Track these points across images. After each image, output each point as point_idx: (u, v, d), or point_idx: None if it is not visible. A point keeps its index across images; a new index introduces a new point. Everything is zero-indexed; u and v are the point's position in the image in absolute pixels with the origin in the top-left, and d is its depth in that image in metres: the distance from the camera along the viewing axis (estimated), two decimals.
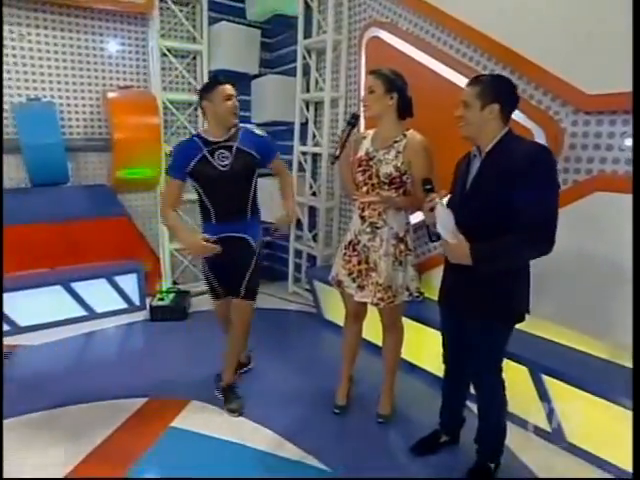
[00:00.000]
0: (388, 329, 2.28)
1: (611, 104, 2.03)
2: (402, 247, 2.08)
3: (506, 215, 1.54)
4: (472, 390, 1.97)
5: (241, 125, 2.21)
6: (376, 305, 2.08)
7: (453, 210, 1.61)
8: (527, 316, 1.74)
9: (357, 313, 2.31)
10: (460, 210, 1.63)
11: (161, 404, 2.43)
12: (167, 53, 3.78)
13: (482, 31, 2.47)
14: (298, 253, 4.17)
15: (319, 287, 3.52)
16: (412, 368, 2.78)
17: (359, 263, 2.12)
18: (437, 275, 2.90)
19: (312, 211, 4.05)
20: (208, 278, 2.35)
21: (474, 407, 2.17)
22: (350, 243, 2.15)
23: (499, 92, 1.60)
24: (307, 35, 3.74)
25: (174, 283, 4.08)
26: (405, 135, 2.02)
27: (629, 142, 2.02)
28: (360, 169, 2.08)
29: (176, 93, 3.98)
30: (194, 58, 4.00)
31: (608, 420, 1.93)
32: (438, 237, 1.65)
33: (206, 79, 3.89)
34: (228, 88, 2.10)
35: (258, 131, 2.27)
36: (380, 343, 2.37)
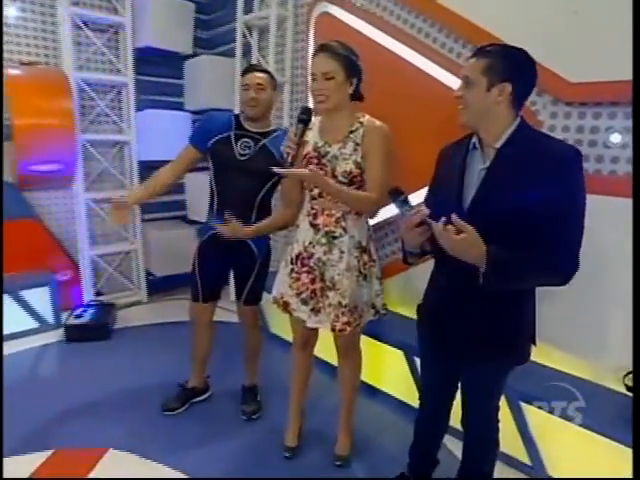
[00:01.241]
0: (345, 355, 1.93)
1: (596, 94, 1.79)
2: (365, 258, 1.73)
3: (525, 229, 1.20)
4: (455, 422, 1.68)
5: (279, 128, 2.11)
6: (341, 332, 1.71)
7: (445, 215, 1.26)
8: None
9: (307, 340, 1.95)
10: (461, 217, 1.30)
11: (68, 458, 1.95)
12: (82, 25, 3.19)
13: (448, 7, 2.17)
14: None
15: (264, 297, 3.12)
16: (371, 392, 2.46)
17: (312, 282, 1.73)
18: (397, 284, 2.71)
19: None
20: (194, 275, 2.15)
21: (449, 442, 1.90)
22: (298, 257, 1.76)
23: (512, 67, 1.22)
24: (248, 10, 3.29)
25: (97, 294, 3.53)
26: (362, 123, 1.66)
27: (615, 138, 1.78)
28: (309, 169, 1.65)
29: (94, 73, 3.39)
30: (116, 33, 3.42)
31: (595, 455, 1.70)
32: (422, 254, 1.33)
33: (131, 57, 3.36)
34: (250, 77, 1.97)
35: None
36: (332, 360, 2.01)
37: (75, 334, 2.97)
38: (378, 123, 1.66)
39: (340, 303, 1.69)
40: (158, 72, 3.70)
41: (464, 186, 1.32)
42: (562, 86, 1.86)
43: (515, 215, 1.22)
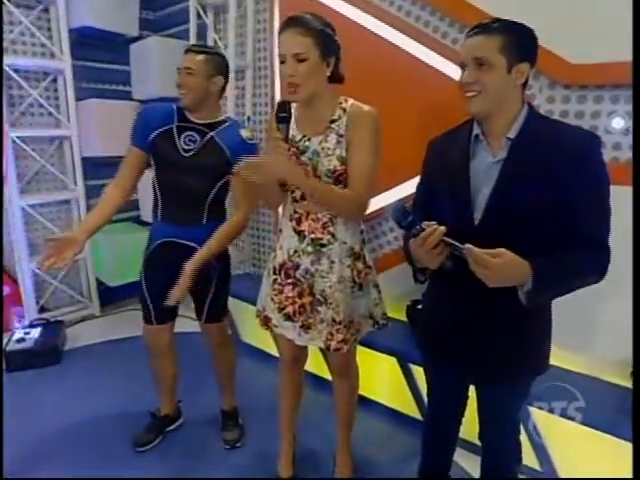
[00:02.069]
0: (341, 374, 1.73)
1: (598, 77, 1.68)
2: (360, 265, 1.52)
3: (556, 224, 1.08)
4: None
5: (229, 118, 1.82)
6: (336, 350, 1.50)
7: (449, 219, 1.09)
8: None
9: (296, 358, 1.72)
10: (473, 217, 1.14)
11: None
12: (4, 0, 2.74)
13: None
14: None
15: (233, 303, 2.84)
16: (364, 403, 2.28)
17: (300, 295, 1.50)
18: (391, 278, 2.54)
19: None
20: (142, 294, 1.87)
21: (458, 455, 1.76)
22: (282, 267, 1.52)
23: (528, 45, 1.08)
24: None
25: (42, 310, 3.12)
26: (345, 110, 1.40)
27: (618, 124, 1.68)
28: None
29: (23, 57, 2.93)
30: (46, 10, 2.98)
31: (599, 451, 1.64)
32: (431, 275, 1.15)
33: (66, 40, 2.94)
34: (183, 59, 1.68)
35: (244, 132, 1.75)
36: (319, 372, 1.81)
37: (17, 362, 2.57)
38: (365, 108, 1.40)
39: (334, 319, 1.47)
40: (100, 57, 3.27)
41: (472, 183, 1.16)
42: (560, 68, 1.73)
43: (542, 211, 1.09)
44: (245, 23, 2.86)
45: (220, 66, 1.71)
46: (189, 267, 1.63)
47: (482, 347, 1.20)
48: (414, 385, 2.10)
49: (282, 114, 1.30)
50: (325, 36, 1.31)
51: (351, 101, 1.42)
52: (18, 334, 2.72)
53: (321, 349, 1.91)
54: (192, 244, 1.72)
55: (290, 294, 1.50)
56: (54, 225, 3.13)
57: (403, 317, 2.31)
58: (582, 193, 1.06)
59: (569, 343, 1.85)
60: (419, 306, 2.20)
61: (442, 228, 1.04)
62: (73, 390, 2.42)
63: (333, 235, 1.46)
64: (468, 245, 1.01)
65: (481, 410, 1.37)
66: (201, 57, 1.66)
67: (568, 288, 1.10)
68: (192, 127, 1.72)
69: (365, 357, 2.20)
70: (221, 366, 2.04)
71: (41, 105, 3.02)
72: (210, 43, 3.03)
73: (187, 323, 2.50)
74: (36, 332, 2.77)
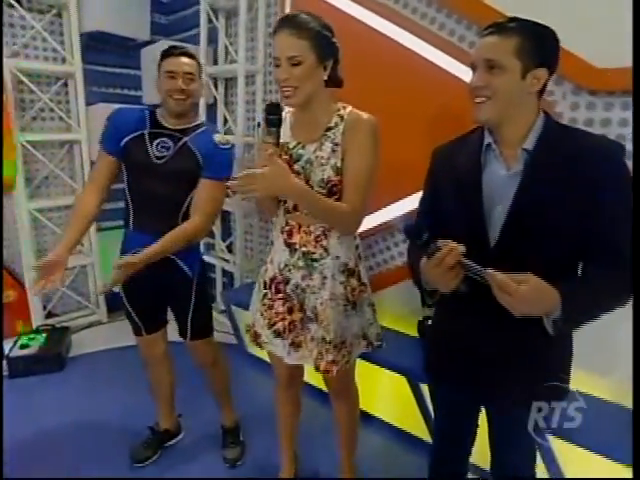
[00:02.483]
0: (339, 396, 1.64)
1: (626, 82, 1.55)
2: (354, 282, 1.42)
3: (583, 242, 0.99)
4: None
5: (206, 124, 1.75)
6: (326, 372, 1.40)
7: (460, 238, 0.99)
8: None
9: (291, 377, 1.64)
10: (487, 234, 1.04)
11: None
12: (14, 3, 2.73)
13: None
14: (211, 267, 3.36)
15: (238, 313, 2.79)
16: (371, 420, 2.18)
17: (290, 311, 1.42)
18: (389, 295, 2.45)
19: (225, 215, 3.28)
20: (125, 307, 1.83)
21: None
22: (273, 281, 1.44)
23: (547, 49, 0.98)
24: None
25: (49, 315, 3.10)
26: (342, 117, 1.31)
27: None
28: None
29: (34, 62, 2.93)
30: (59, 14, 2.97)
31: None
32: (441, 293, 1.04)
33: (77, 44, 2.92)
34: (173, 62, 1.60)
35: (218, 138, 1.69)
36: (324, 385, 1.71)
37: (19, 368, 2.54)
38: (365, 116, 1.31)
39: (324, 338, 1.38)
40: (111, 61, 3.26)
41: (484, 198, 1.06)
42: (586, 72, 1.62)
43: (566, 229, 0.99)
44: (256, 27, 2.81)
45: (202, 71, 1.71)
46: (126, 259, 1.50)
47: (497, 370, 1.11)
48: (424, 405, 1.99)
49: (271, 116, 1.21)
50: (322, 38, 1.23)
51: (349, 108, 1.34)
52: (22, 340, 2.69)
53: None
54: (168, 255, 1.66)
55: (280, 310, 1.42)
56: (62, 230, 3.10)
57: (414, 332, 2.20)
58: (608, 208, 0.96)
59: (589, 365, 1.74)
60: (431, 321, 2.10)
61: (461, 248, 0.95)
62: (75, 399, 2.37)
63: (326, 249, 1.37)
64: (490, 270, 0.92)
65: (493, 438, 1.27)
66: (194, 62, 1.63)
67: (598, 314, 1.00)
68: (165, 133, 1.65)
69: (373, 373, 2.11)
70: (216, 385, 1.97)
71: (52, 109, 3.01)
72: (221, 47, 3.00)
73: None
74: (41, 338, 2.74)
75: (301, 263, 1.38)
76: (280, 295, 1.42)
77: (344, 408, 1.65)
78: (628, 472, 1.46)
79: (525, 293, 0.89)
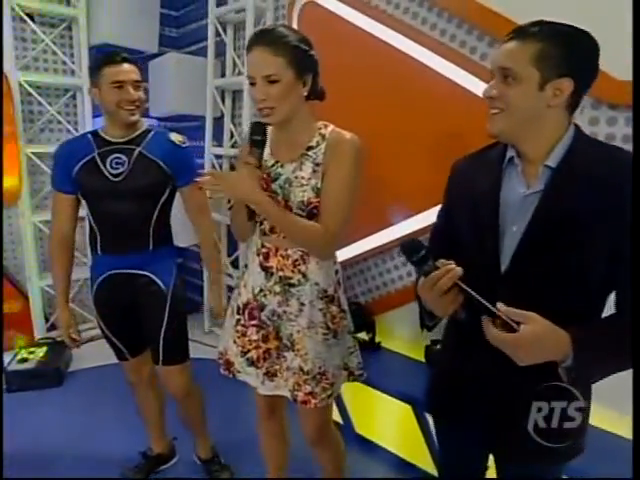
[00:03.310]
0: (318, 441, 1.48)
1: None
2: (334, 309, 1.32)
3: (600, 279, 0.86)
4: None
5: (151, 126, 1.69)
6: (303, 403, 1.30)
7: (471, 261, 0.89)
8: None
9: (271, 407, 1.52)
10: (499, 258, 0.93)
11: None
12: (26, 17, 2.75)
13: None
14: None
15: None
16: (366, 446, 2.07)
17: (265, 339, 1.32)
18: (397, 318, 2.32)
19: (231, 230, 3.21)
20: (104, 333, 1.74)
21: None
22: (246, 306, 1.35)
23: (575, 56, 0.86)
24: (221, 2, 2.89)
25: (52, 328, 3.06)
26: (323, 136, 1.24)
27: None
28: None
29: (43, 74, 2.95)
30: (68, 28, 2.99)
31: None
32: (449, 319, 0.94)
33: (85, 56, 2.93)
34: (119, 71, 1.51)
35: (175, 137, 1.65)
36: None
37: (17, 383, 2.50)
38: (347, 135, 1.23)
39: (302, 368, 1.29)
40: None
41: (500, 217, 0.95)
42: (606, 84, 1.50)
43: (589, 259, 0.86)
44: None
45: None
46: (215, 290, 1.78)
47: (503, 416, 0.99)
48: (429, 436, 1.87)
49: (255, 137, 1.15)
50: (299, 52, 1.15)
51: (331, 127, 1.26)
52: (22, 353, 2.65)
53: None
54: (141, 272, 1.62)
55: (254, 337, 1.33)
56: None
57: (421, 357, 2.09)
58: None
59: (607, 400, 1.61)
60: (439, 346, 1.98)
61: (458, 269, 0.85)
62: (73, 416, 2.32)
63: (304, 275, 1.28)
64: (500, 304, 0.82)
65: None
66: (136, 68, 1.56)
67: (620, 362, 0.86)
68: (115, 149, 1.57)
69: (369, 397, 2.01)
70: (190, 416, 1.84)
71: (59, 122, 3.01)
72: (228, 60, 2.97)
73: None
74: (41, 352, 2.70)
75: (278, 288, 1.29)
76: (254, 322, 1.33)
77: (326, 455, 1.53)
78: None
79: (529, 336, 0.79)
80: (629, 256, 0.82)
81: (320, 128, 1.25)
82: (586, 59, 0.87)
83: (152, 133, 1.62)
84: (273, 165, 1.26)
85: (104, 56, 1.56)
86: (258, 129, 1.16)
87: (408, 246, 0.89)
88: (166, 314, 1.64)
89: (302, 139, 1.24)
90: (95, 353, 2.97)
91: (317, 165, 1.22)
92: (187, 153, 1.66)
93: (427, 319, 1.06)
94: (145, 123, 1.65)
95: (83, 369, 2.78)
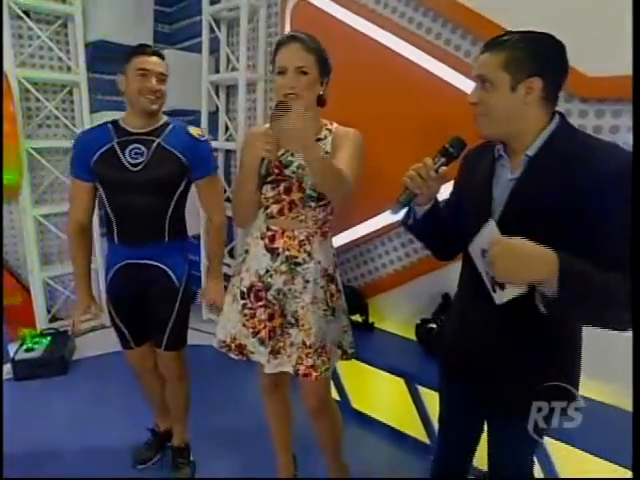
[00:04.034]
0: (318, 414, 1.59)
1: (617, 90, 1.59)
2: (333, 288, 1.47)
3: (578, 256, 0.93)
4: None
5: (170, 120, 1.71)
6: (305, 377, 1.42)
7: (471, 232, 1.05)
8: None
9: (275, 382, 1.63)
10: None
11: None
12: (22, 14, 2.80)
13: None
14: None
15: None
16: (367, 422, 2.21)
17: (271, 318, 1.43)
18: (389, 300, 2.45)
19: (227, 220, 3.31)
20: (114, 321, 1.80)
21: None
22: (251, 289, 1.45)
23: (540, 57, 0.98)
24: (214, 0, 2.96)
25: (53, 319, 3.14)
26: (330, 130, 1.42)
27: None
28: (269, 180, 1.37)
29: (40, 71, 3.00)
30: (64, 25, 3.04)
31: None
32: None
33: (82, 53, 2.98)
34: (145, 60, 1.58)
35: (194, 130, 1.70)
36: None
37: (25, 371, 2.58)
38: (351, 130, 1.42)
39: (304, 343, 1.41)
40: (115, 70, 3.29)
41: (493, 201, 1.09)
42: (577, 80, 1.64)
43: (562, 236, 0.94)
44: (257, 37, 2.86)
45: None
46: (215, 285, 1.82)
47: (497, 376, 1.12)
48: (422, 407, 2.02)
49: (281, 113, 1.18)
50: (324, 56, 1.35)
51: (335, 124, 1.44)
52: (27, 343, 2.73)
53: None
54: (156, 263, 1.68)
55: (263, 317, 1.44)
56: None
57: (412, 336, 2.23)
58: (610, 219, 0.92)
59: (592, 369, 1.76)
60: (429, 325, 2.12)
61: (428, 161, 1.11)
62: (78, 403, 2.40)
63: (309, 254, 1.41)
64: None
65: (491, 447, 1.27)
66: (164, 63, 1.63)
67: (599, 308, 0.91)
68: (135, 139, 1.61)
69: (366, 374, 2.14)
70: (177, 400, 1.91)
71: (57, 117, 3.07)
72: (222, 56, 3.05)
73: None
74: (45, 342, 2.78)
75: (284, 268, 1.41)
76: (261, 302, 1.44)
77: (326, 427, 1.64)
78: (626, 473, 1.49)
79: (512, 245, 0.90)
80: (601, 222, 0.91)
81: (326, 124, 1.44)
82: (551, 58, 0.99)
83: (171, 126, 1.66)
84: (283, 154, 1.39)
85: (136, 47, 1.64)
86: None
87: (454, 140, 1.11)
88: (176, 307, 1.72)
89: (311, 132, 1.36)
90: (98, 342, 3.08)
91: (326, 153, 1.37)
92: (205, 146, 1.70)
93: (410, 218, 1.24)
94: (164, 118, 1.70)
95: (87, 357, 2.87)
